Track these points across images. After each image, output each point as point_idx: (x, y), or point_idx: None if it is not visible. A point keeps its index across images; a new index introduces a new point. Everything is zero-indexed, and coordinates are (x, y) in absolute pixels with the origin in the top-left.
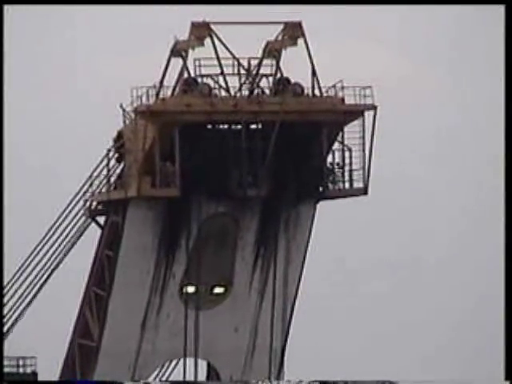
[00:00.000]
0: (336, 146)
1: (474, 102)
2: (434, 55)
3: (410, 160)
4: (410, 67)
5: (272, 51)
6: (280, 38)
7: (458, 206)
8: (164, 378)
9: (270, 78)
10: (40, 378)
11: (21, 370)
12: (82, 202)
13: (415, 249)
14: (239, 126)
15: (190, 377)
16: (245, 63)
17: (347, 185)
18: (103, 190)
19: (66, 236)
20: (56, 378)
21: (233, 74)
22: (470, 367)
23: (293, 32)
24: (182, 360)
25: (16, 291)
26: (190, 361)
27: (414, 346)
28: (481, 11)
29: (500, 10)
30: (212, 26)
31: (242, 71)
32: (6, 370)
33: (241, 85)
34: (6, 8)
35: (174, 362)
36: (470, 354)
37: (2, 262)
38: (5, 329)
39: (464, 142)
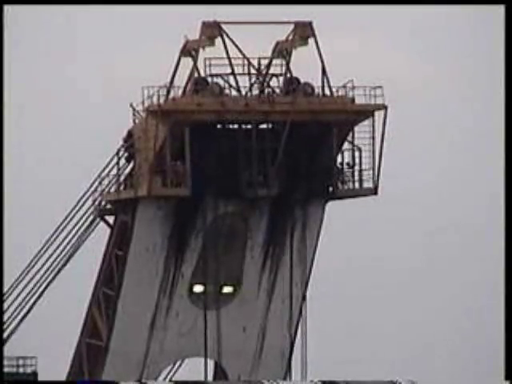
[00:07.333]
0: (346, 145)
1: (474, 101)
2: (433, 55)
3: (420, 160)
4: (409, 66)
5: (282, 51)
6: (290, 37)
7: (470, 205)
8: (173, 378)
9: (281, 78)
10: (40, 378)
11: (21, 369)
12: (90, 201)
13: (423, 248)
14: (250, 126)
15: (198, 376)
16: (255, 63)
17: (357, 185)
18: (112, 190)
19: (74, 235)
20: (56, 378)
21: (243, 74)
22: (470, 367)
23: (303, 32)
24: (190, 360)
25: (22, 290)
26: (197, 360)
27: (415, 346)
28: (481, 11)
29: (500, 10)
30: (222, 26)
31: (253, 71)
32: (5, 369)
33: (251, 84)
34: (6, 8)
35: (182, 362)
36: (470, 354)
37: (2, 261)
38: (10, 328)
39: (463, 141)
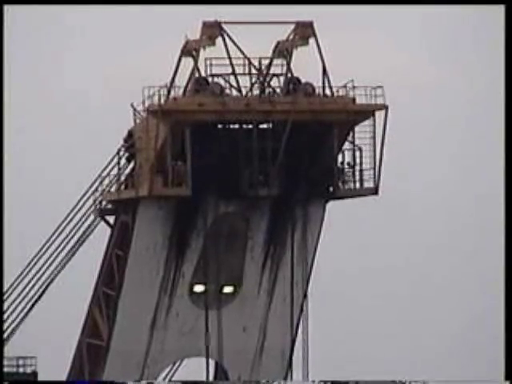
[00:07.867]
0: (347, 145)
1: (474, 101)
2: (433, 55)
3: (421, 160)
4: (410, 66)
5: (282, 51)
6: (291, 37)
7: (470, 205)
8: (173, 378)
9: (281, 78)
10: (40, 377)
11: (21, 369)
12: (91, 201)
13: (423, 248)
14: (250, 126)
15: (199, 376)
16: (256, 63)
17: (358, 185)
18: (113, 190)
19: (75, 235)
20: (56, 378)
21: (244, 74)
22: (470, 367)
23: (304, 32)
24: (190, 360)
25: (22, 290)
26: (197, 360)
27: (415, 347)
28: (481, 11)
29: (500, 9)
30: (223, 26)
31: (253, 71)
32: (5, 369)
33: (252, 84)
34: (6, 8)
35: (183, 362)
36: (470, 354)
37: (2, 261)
38: (10, 328)
39: (463, 141)
